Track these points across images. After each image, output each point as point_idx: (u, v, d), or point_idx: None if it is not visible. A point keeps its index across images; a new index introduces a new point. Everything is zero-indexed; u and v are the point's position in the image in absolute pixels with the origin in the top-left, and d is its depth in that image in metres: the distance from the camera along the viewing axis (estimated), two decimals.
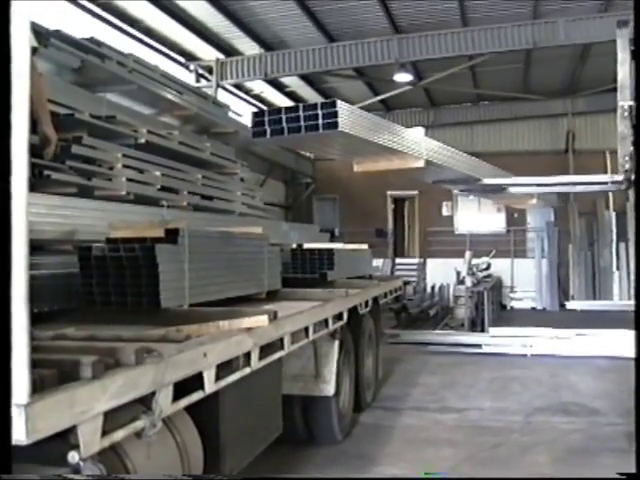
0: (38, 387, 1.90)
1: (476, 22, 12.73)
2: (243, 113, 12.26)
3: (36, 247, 3.66)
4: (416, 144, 8.45)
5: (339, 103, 6.39)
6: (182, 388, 2.71)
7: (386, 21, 12.60)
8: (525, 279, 18.31)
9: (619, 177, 7.64)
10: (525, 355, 10.25)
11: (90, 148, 5.01)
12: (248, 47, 13.69)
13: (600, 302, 16.70)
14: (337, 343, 5.72)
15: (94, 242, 3.81)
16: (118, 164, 5.32)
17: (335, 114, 6.32)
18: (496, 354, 10.34)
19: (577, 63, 15.36)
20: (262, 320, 3.45)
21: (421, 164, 8.53)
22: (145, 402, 2.45)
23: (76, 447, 2.04)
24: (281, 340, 3.89)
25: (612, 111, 8.65)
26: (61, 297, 3.67)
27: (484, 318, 12.61)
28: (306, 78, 15.99)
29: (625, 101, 6.16)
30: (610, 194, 16.61)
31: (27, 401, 1.79)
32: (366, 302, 6.57)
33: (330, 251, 6.62)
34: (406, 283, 14.43)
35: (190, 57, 13.77)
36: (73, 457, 2.04)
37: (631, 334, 5.48)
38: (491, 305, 13.59)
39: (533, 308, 17.91)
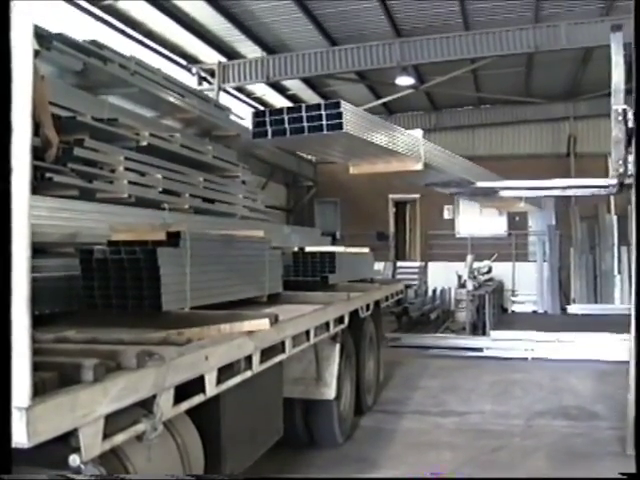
0: (39, 390, 1.89)
1: (478, 26, 12.74)
2: (245, 116, 12.26)
3: (38, 250, 3.64)
4: (416, 146, 8.40)
5: (343, 103, 6.30)
6: (183, 391, 2.71)
7: (388, 24, 12.61)
8: (526, 283, 18.31)
9: (613, 181, 7.60)
10: (526, 359, 10.23)
11: (92, 151, 5.01)
12: (250, 50, 13.71)
13: (601, 306, 16.68)
14: (338, 346, 5.71)
15: (95, 245, 3.81)
16: (120, 167, 5.32)
17: (339, 115, 6.21)
18: (497, 358, 10.33)
19: (579, 67, 15.37)
20: (263, 323, 3.45)
21: (420, 167, 8.40)
22: (146, 405, 2.45)
23: (77, 450, 2.04)
24: (282, 343, 3.89)
25: None
26: (62, 300, 3.67)
27: (485, 322, 12.59)
28: (308, 81, 16.01)
29: (619, 105, 6.15)
30: (612, 198, 16.58)
31: (28, 404, 1.79)
32: (367, 305, 6.56)
33: (331, 254, 6.61)
34: (407, 286, 14.40)
35: (192, 60, 13.79)
36: (74, 460, 2.04)
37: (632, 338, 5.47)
38: (492, 309, 13.58)
39: (534, 312, 17.89)
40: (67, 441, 2.02)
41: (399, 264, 19.45)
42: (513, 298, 18.37)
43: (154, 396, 2.46)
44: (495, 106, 19.17)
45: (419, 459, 5.71)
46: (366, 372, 7.02)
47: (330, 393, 5.57)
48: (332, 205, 20.61)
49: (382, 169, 8.56)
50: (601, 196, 14.08)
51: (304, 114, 6.35)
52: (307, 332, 4.45)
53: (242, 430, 3.60)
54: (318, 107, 6.37)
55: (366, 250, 8.25)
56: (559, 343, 10.34)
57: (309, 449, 5.76)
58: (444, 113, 19.64)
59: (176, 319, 3.51)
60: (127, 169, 5.42)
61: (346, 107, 6.32)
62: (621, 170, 6.23)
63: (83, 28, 9.61)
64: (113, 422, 2.23)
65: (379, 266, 16.15)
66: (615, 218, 17.46)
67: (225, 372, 3.08)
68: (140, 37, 11.88)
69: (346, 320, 5.56)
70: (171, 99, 7.61)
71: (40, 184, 4.27)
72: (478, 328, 12.63)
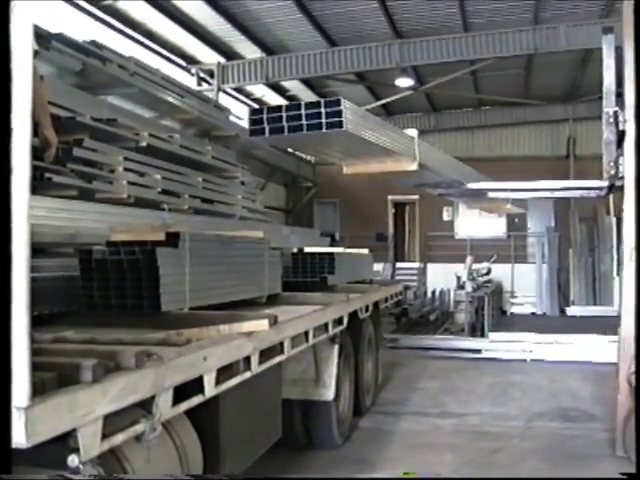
0: (38, 390, 1.89)
1: (477, 27, 12.75)
2: (244, 117, 12.26)
3: (37, 250, 3.65)
4: (411, 146, 8.35)
5: (343, 101, 6.23)
6: (182, 392, 2.71)
7: (387, 26, 12.62)
8: (525, 284, 18.32)
9: (604, 183, 7.59)
10: (525, 360, 10.24)
11: (91, 151, 5.02)
12: (249, 51, 13.71)
13: (600, 308, 16.65)
14: (337, 347, 5.71)
15: (95, 245, 3.81)
16: (119, 167, 5.32)
17: (339, 113, 6.11)
18: (496, 359, 10.33)
19: (578, 69, 15.37)
20: (262, 324, 3.45)
21: (415, 167, 8.33)
22: (145, 406, 2.45)
23: (76, 450, 2.04)
24: (281, 344, 3.89)
25: None
26: (61, 300, 3.67)
27: (484, 323, 12.59)
28: (307, 82, 16.02)
29: (610, 107, 6.15)
30: (611, 199, 16.57)
31: (27, 404, 1.79)
32: (366, 307, 6.56)
33: (331, 255, 6.61)
34: (406, 288, 14.43)
35: (191, 60, 13.79)
36: (73, 460, 2.04)
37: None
38: (491, 310, 13.57)
39: (533, 313, 17.90)
40: (66, 441, 2.02)
41: (398, 265, 19.48)
42: (512, 300, 18.38)
43: (153, 397, 2.46)
44: (494, 108, 19.18)
45: (418, 460, 5.70)
46: (365, 373, 7.02)
47: (329, 394, 5.57)
48: (331, 206, 20.61)
49: (376, 169, 8.45)
50: (600, 198, 14.09)
51: (303, 112, 6.26)
52: (306, 333, 4.45)
53: (241, 431, 3.60)
54: (318, 105, 6.24)
55: (365, 251, 8.26)
56: (558, 345, 10.35)
57: (308, 450, 5.76)
58: (443, 114, 19.65)
59: (175, 319, 3.50)
60: (126, 169, 5.42)
61: (346, 105, 6.25)
62: (612, 172, 6.25)
63: (82, 28, 9.61)
64: (112, 422, 2.23)
65: (378, 267, 16.14)
66: (614, 220, 17.45)
67: (224, 373, 3.07)
68: (139, 37, 11.88)
69: (345, 321, 5.56)
70: (170, 99, 7.62)
71: (39, 184, 4.27)
72: (477, 329, 12.62)
